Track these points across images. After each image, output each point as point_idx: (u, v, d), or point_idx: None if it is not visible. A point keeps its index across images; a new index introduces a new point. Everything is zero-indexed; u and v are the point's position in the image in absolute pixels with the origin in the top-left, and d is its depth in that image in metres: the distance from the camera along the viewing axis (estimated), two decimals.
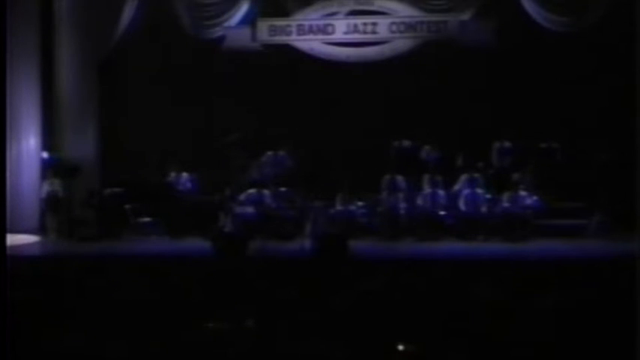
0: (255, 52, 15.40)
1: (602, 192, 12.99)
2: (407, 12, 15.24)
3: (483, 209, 13.32)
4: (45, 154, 14.92)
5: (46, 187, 14.50)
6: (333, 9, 15.51)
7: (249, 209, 13.59)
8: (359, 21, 15.33)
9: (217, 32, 15.57)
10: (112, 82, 16.03)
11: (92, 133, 15.64)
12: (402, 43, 15.25)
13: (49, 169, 14.72)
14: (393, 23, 15.24)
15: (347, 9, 15.45)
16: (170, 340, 5.00)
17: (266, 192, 13.80)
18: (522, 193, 13.30)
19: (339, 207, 13.44)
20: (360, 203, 13.59)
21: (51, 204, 14.41)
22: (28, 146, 14.82)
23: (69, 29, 15.38)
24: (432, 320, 5.30)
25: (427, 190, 13.75)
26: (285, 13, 15.56)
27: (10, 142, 13.46)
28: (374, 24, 15.28)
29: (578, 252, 11.76)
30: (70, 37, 15.38)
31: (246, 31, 15.52)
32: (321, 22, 15.42)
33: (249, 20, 15.56)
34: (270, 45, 15.48)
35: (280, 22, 15.52)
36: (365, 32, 15.31)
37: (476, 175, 13.71)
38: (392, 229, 13.16)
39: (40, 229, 14.28)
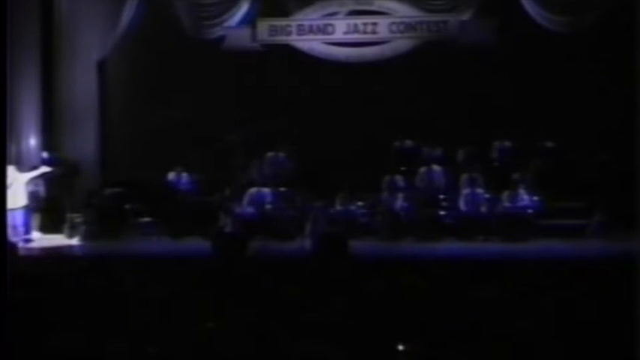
0: (255, 52, 15.41)
1: (602, 192, 12.99)
2: (407, 12, 15.25)
3: (483, 209, 13.31)
4: (45, 154, 14.91)
5: (46, 188, 14.49)
6: (333, 9, 15.52)
7: (249, 209, 13.60)
8: (359, 21, 15.34)
9: (217, 32, 15.59)
10: (111, 81, 16.05)
11: (92, 133, 15.67)
12: (402, 43, 15.26)
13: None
14: (393, 23, 15.26)
15: (347, 9, 15.47)
16: (170, 340, 5.01)
17: (266, 192, 13.79)
18: (522, 192, 13.30)
19: (339, 207, 13.43)
20: (360, 203, 13.59)
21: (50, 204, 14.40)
22: (28, 146, 14.81)
23: (69, 29, 15.40)
24: (431, 320, 5.30)
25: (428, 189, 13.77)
26: (285, 13, 15.57)
27: (10, 142, 13.46)
28: (374, 24, 15.29)
29: (578, 252, 11.76)
30: (70, 37, 15.40)
31: (246, 31, 15.53)
32: (321, 22, 15.43)
33: (249, 20, 15.57)
34: (270, 45, 15.49)
35: (280, 22, 15.53)
36: (365, 32, 15.32)
37: (476, 174, 13.71)
38: (392, 229, 13.14)
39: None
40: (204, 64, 15.42)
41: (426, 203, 13.57)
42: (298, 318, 5.32)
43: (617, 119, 13.54)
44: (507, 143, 14.47)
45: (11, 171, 12.85)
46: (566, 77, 14.48)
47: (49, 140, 15.19)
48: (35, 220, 13.92)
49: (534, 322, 5.26)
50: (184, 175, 14.64)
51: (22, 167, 13.75)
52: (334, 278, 7.11)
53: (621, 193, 12.13)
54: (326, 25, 15.43)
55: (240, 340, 4.95)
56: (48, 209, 14.32)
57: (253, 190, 13.83)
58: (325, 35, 15.43)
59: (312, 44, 15.49)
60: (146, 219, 14.07)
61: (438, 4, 15.20)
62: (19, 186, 13.12)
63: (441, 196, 13.68)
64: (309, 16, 15.49)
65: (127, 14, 15.48)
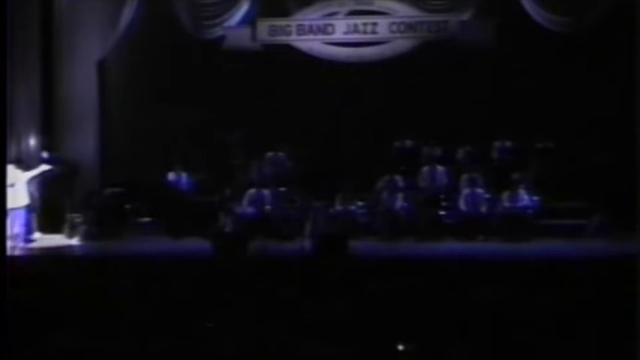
0: (255, 52, 15.41)
1: (602, 192, 12.99)
2: (407, 12, 15.25)
3: (483, 209, 13.32)
4: (45, 154, 14.91)
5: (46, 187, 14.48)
6: (333, 9, 15.51)
7: (249, 209, 13.60)
8: (359, 21, 15.33)
9: (217, 32, 15.58)
10: (111, 81, 16.05)
11: (92, 133, 15.66)
12: (402, 43, 15.25)
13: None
14: (393, 23, 15.25)
15: (347, 9, 15.46)
16: (170, 339, 5.01)
17: (266, 192, 13.79)
18: (522, 192, 13.30)
19: (339, 207, 13.43)
20: (360, 203, 13.59)
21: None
22: (28, 146, 14.81)
23: (69, 29, 15.40)
24: (431, 320, 5.30)
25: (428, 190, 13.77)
26: (285, 13, 15.57)
27: (10, 142, 13.46)
28: (374, 24, 15.29)
29: (578, 252, 11.76)
30: (70, 36, 15.40)
31: (246, 31, 15.53)
32: (321, 22, 15.42)
33: (249, 20, 15.57)
34: (270, 45, 15.49)
35: (280, 22, 15.52)
36: (365, 32, 15.31)
37: (476, 174, 13.72)
38: (392, 229, 13.15)
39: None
40: (204, 64, 15.41)
41: (426, 203, 13.58)
42: (298, 318, 5.32)
43: (617, 119, 13.54)
44: (507, 143, 14.47)
45: (12, 170, 12.84)
46: (566, 77, 14.46)
47: (49, 140, 15.18)
48: (35, 219, 13.93)
49: (534, 321, 5.27)
50: (184, 175, 14.64)
51: (21, 167, 13.74)
52: (334, 278, 7.11)
53: (621, 193, 12.13)
54: (326, 25, 15.42)
55: (240, 340, 4.95)
56: (48, 209, 14.33)
57: (253, 190, 13.84)
58: (325, 35, 15.42)
59: (312, 44, 15.48)
60: (146, 219, 14.07)
61: (438, 4, 15.19)
62: (21, 185, 13.11)
63: (441, 196, 13.68)
64: (309, 16, 15.48)
65: (127, 14, 15.45)
